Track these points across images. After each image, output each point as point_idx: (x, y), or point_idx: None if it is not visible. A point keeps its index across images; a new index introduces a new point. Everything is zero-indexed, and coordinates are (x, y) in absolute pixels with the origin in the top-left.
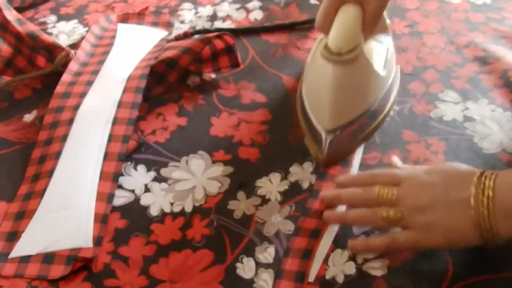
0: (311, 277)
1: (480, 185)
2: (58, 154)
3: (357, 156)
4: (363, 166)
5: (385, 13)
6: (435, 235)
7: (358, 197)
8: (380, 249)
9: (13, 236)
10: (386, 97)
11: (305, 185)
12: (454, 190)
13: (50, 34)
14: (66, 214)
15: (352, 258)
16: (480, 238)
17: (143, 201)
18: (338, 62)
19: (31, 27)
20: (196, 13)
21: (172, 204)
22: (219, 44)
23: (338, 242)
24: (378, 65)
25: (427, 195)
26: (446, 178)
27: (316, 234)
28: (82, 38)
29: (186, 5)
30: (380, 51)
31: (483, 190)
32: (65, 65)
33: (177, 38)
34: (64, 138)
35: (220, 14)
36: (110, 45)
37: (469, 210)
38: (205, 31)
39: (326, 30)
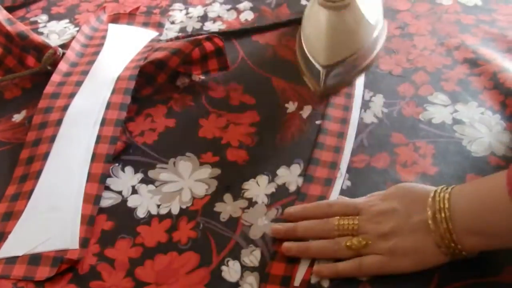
0: (297, 281)
1: (435, 206)
2: (46, 155)
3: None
4: (350, 169)
5: None
6: (401, 260)
7: (316, 229)
8: (348, 274)
9: (0, 237)
10: (374, 43)
11: (292, 188)
12: (414, 214)
13: (41, 33)
14: (53, 215)
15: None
16: (446, 256)
17: (130, 203)
18: (332, 8)
19: (21, 27)
20: (187, 13)
21: (159, 206)
22: (208, 46)
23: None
24: (367, 14)
25: (388, 221)
26: (405, 202)
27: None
28: (73, 38)
29: (177, 6)
30: (371, 3)
31: (439, 210)
32: (54, 65)
33: (168, 42)
34: (52, 139)
35: (211, 15)
36: (101, 45)
37: (430, 232)
38: (196, 35)
39: None
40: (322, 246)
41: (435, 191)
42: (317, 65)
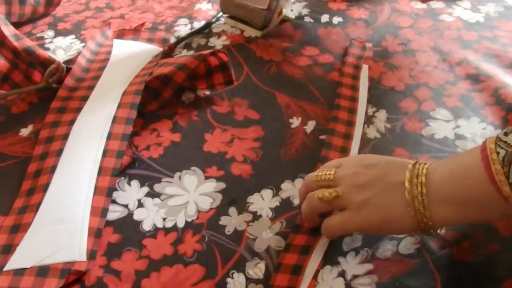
0: None
1: (414, 171)
2: (53, 169)
3: None
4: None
5: None
6: (369, 214)
7: (301, 188)
8: (328, 236)
9: (8, 249)
10: None
11: (297, 201)
12: (392, 174)
13: (48, 49)
14: (60, 228)
15: (342, 274)
16: (413, 222)
17: (136, 216)
18: None
19: (28, 43)
20: (191, 28)
21: (164, 219)
22: (213, 61)
23: (328, 259)
24: None
25: (366, 175)
26: (386, 163)
27: (306, 250)
28: (79, 53)
29: (182, 21)
30: None
31: (417, 175)
32: (60, 81)
33: (164, 52)
34: (59, 152)
35: (215, 30)
36: (106, 60)
37: (404, 192)
38: (181, 39)
39: None
40: (303, 207)
41: (416, 161)
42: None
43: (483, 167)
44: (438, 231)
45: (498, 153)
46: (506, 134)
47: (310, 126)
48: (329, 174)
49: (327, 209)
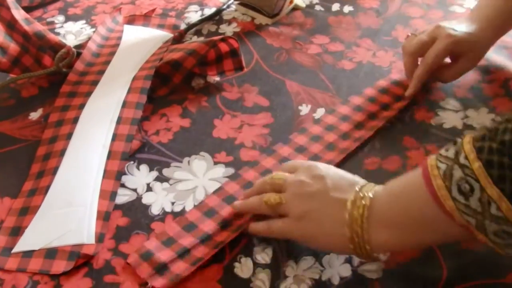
0: None
1: (359, 193)
2: (62, 152)
3: None
4: (362, 170)
5: None
6: (306, 226)
7: (254, 186)
8: (260, 233)
9: (17, 231)
10: None
11: None
12: (337, 190)
13: (58, 34)
14: (69, 211)
15: (348, 260)
16: (348, 243)
17: (145, 200)
18: None
19: (38, 27)
20: (202, 15)
21: (173, 203)
22: (223, 47)
23: None
24: None
25: (311, 186)
26: (334, 178)
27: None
28: (89, 38)
29: (193, 7)
30: None
31: (362, 197)
32: (70, 65)
33: (174, 38)
34: (68, 136)
35: (226, 17)
36: (116, 45)
37: (343, 211)
38: (191, 26)
39: None
40: (251, 201)
41: (366, 183)
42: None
43: (425, 184)
44: (375, 255)
45: (439, 168)
46: (447, 150)
47: (319, 113)
48: (281, 179)
49: (270, 213)
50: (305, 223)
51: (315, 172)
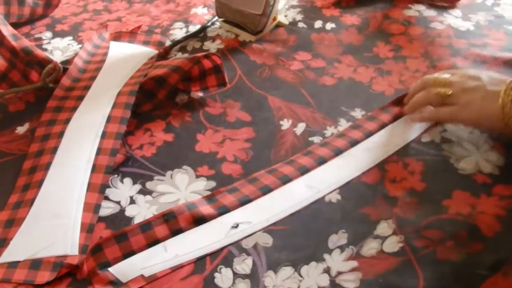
0: None
1: (509, 86)
2: (48, 165)
3: None
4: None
5: None
6: (470, 111)
7: (418, 85)
8: (430, 118)
9: (2, 243)
10: None
11: None
12: (493, 84)
13: (45, 50)
14: (54, 223)
15: (327, 271)
16: (501, 121)
17: (128, 212)
18: None
19: (26, 43)
20: (187, 32)
21: None
22: (207, 63)
23: (314, 255)
24: None
25: (473, 82)
26: (488, 77)
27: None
28: (76, 54)
29: (178, 24)
30: None
31: (510, 89)
32: (56, 81)
33: (159, 54)
34: (54, 150)
35: (210, 34)
36: (102, 61)
37: (498, 99)
38: (176, 42)
39: None
40: (419, 96)
41: None
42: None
43: None
44: None
45: None
46: None
47: (300, 128)
48: (445, 79)
49: (438, 102)
50: (470, 109)
51: (471, 73)
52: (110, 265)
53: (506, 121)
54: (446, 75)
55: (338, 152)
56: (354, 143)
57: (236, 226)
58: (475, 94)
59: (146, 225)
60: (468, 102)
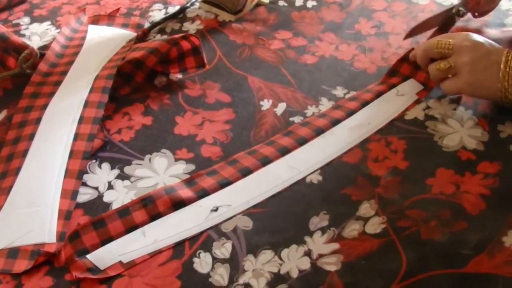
0: None
1: (508, 58)
2: (25, 152)
3: None
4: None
5: None
6: (472, 82)
7: (419, 51)
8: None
9: None
10: None
11: None
12: (494, 54)
13: (23, 35)
14: (31, 211)
15: (308, 253)
16: (498, 90)
17: (106, 198)
18: None
19: (2, 29)
20: (166, 13)
21: None
22: (185, 45)
23: (294, 238)
24: None
25: (474, 51)
26: (490, 44)
27: None
28: (54, 39)
29: (157, 6)
30: None
31: (510, 60)
32: (34, 66)
33: (138, 37)
34: (31, 136)
35: (190, 15)
36: (80, 46)
37: (498, 70)
38: (155, 24)
39: None
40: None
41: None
42: None
43: None
44: None
45: None
46: None
47: (281, 108)
48: (448, 44)
49: (440, 77)
50: (470, 80)
51: (472, 38)
52: (88, 252)
53: (504, 94)
54: (449, 40)
55: (319, 131)
56: (335, 122)
57: (216, 209)
58: (478, 65)
59: (124, 211)
60: (470, 72)
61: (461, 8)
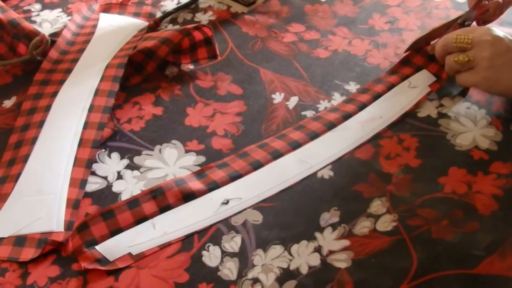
0: None
1: None
2: (34, 140)
3: None
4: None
5: None
6: (490, 77)
7: (439, 46)
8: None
9: None
10: None
11: None
12: (510, 51)
13: (34, 22)
14: (39, 199)
15: (318, 250)
16: None
17: (115, 188)
18: None
19: (13, 15)
20: (178, 3)
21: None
22: (198, 35)
23: (305, 233)
24: None
25: (494, 47)
26: (509, 40)
27: None
28: (65, 26)
29: None
30: None
31: None
32: (44, 53)
33: (150, 26)
34: (40, 124)
35: (202, 5)
36: (91, 34)
37: None
38: (167, 14)
39: None
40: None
41: None
42: None
43: None
44: None
45: None
46: None
47: (293, 102)
48: (467, 38)
49: (459, 68)
50: (490, 71)
51: (492, 33)
52: (97, 243)
53: None
54: (468, 34)
55: (331, 126)
56: (347, 116)
57: (226, 202)
58: (496, 61)
59: (133, 202)
60: (489, 67)
61: (467, 22)
